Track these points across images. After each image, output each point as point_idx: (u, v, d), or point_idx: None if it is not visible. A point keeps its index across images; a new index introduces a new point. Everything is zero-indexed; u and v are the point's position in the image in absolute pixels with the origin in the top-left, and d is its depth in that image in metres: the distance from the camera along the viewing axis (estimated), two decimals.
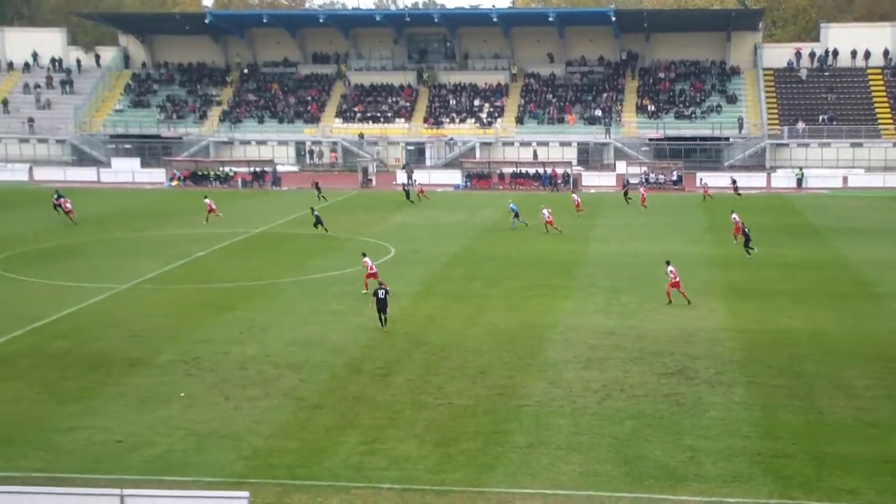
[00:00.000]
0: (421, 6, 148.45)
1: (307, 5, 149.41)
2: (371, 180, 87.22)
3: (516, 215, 60.63)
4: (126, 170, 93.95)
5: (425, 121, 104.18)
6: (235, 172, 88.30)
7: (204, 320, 38.20)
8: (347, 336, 35.80)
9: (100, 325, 37.52)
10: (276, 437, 26.03)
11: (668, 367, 31.94)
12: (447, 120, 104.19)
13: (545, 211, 59.25)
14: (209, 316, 38.91)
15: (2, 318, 38.05)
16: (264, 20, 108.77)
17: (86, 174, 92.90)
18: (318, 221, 58.91)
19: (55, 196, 66.19)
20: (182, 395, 29.29)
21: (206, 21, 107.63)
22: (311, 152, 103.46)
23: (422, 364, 32.46)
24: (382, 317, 36.80)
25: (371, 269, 42.30)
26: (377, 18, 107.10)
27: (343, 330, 36.64)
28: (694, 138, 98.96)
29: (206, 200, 65.16)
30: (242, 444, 25.50)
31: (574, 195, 69.37)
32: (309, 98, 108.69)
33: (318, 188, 75.55)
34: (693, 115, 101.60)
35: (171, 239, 57.48)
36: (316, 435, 26.20)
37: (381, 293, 36.80)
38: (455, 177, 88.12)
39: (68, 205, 64.28)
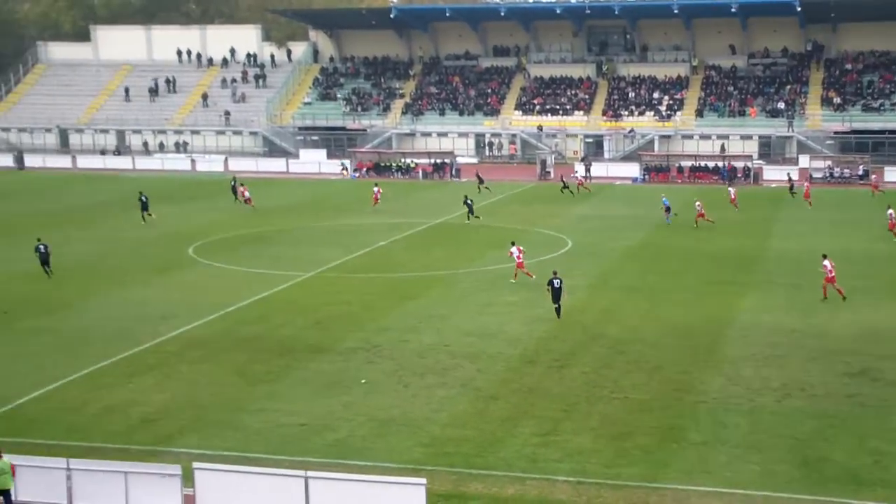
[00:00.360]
0: None
1: None
2: (549, 172, 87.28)
3: (668, 209, 59.85)
4: (313, 161, 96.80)
5: (604, 113, 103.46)
6: (416, 164, 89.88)
7: (384, 309, 39.23)
8: (523, 327, 36.18)
9: (287, 311, 39.01)
10: (452, 426, 26.60)
11: (851, 367, 31.08)
12: (626, 112, 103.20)
13: (697, 204, 58.35)
14: (389, 305, 39.94)
15: (197, 304, 40.00)
16: (447, 14, 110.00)
17: (276, 165, 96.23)
18: (470, 210, 60.14)
19: (232, 182, 69.07)
20: (363, 381, 30.23)
21: (391, 16, 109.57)
22: (491, 144, 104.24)
23: (597, 357, 32.55)
24: (557, 307, 37.10)
25: (518, 258, 43.07)
26: (557, 11, 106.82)
27: (519, 321, 37.04)
28: (882, 131, 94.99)
29: (376, 188, 67.45)
30: (420, 432, 26.18)
31: (731, 189, 67.77)
32: (489, 90, 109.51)
33: (479, 179, 76.11)
34: (882, 108, 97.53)
35: (353, 229, 59.06)
36: (492, 425, 26.65)
37: (555, 283, 37.14)
38: (633, 170, 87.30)
39: (246, 193, 67.38)
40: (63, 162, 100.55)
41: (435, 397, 28.76)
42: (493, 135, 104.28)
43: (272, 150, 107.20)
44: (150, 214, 61.38)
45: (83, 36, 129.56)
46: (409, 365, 31.83)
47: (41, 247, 46.29)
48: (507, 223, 59.35)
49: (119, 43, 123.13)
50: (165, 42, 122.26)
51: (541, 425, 26.53)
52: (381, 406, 28.07)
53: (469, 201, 61.73)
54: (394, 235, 56.37)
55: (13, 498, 22.17)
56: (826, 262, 39.97)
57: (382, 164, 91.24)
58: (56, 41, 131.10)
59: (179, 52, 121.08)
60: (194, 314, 38.23)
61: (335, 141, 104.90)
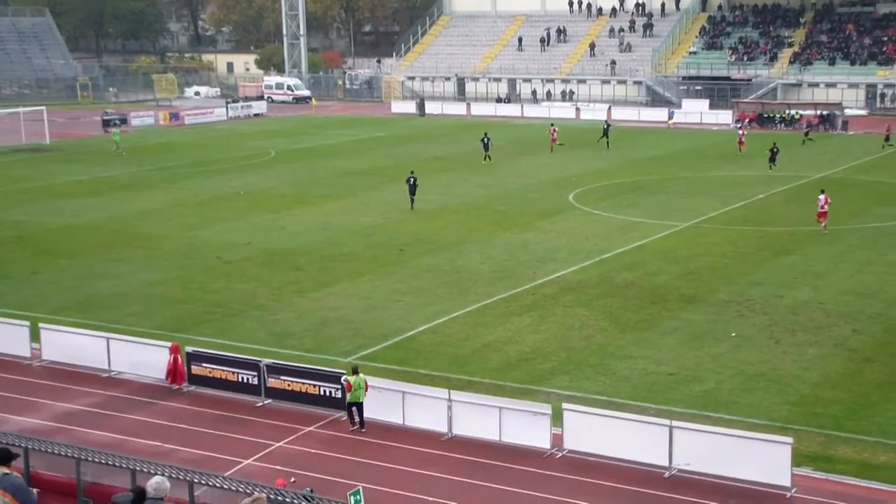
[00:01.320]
0: None
1: None
2: None
3: None
4: (695, 111, 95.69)
5: None
6: (801, 115, 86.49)
7: (759, 263, 38.81)
8: None
9: (661, 260, 39.54)
10: (823, 387, 26.21)
11: None
12: None
13: None
14: (764, 259, 39.43)
15: (575, 249, 41.46)
16: None
17: (657, 115, 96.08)
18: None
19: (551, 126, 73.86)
20: (733, 335, 30.29)
21: None
22: (883, 95, 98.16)
23: None
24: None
25: (823, 207, 43.13)
26: None
27: None
28: None
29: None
30: (788, 390, 26.01)
31: None
32: (885, 38, 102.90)
33: (888, 135, 71.86)
34: None
35: (733, 180, 58.27)
36: (866, 388, 26.00)
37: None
38: None
39: (555, 133, 72.23)
40: (459, 109, 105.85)
41: (806, 355, 28.37)
42: (887, 85, 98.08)
43: (655, 99, 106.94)
44: (489, 157, 65.56)
45: None
46: (781, 321, 31.48)
47: (411, 179, 51.11)
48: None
49: None
50: None
51: None
52: (749, 361, 28.09)
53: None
54: (773, 188, 55.09)
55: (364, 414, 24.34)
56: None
57: (766, 115, 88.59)
58: None
59: (571, 3, 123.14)
60: (571, 259, 39.68)
61: (718, 91, 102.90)
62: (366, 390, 24.07)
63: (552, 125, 75.20)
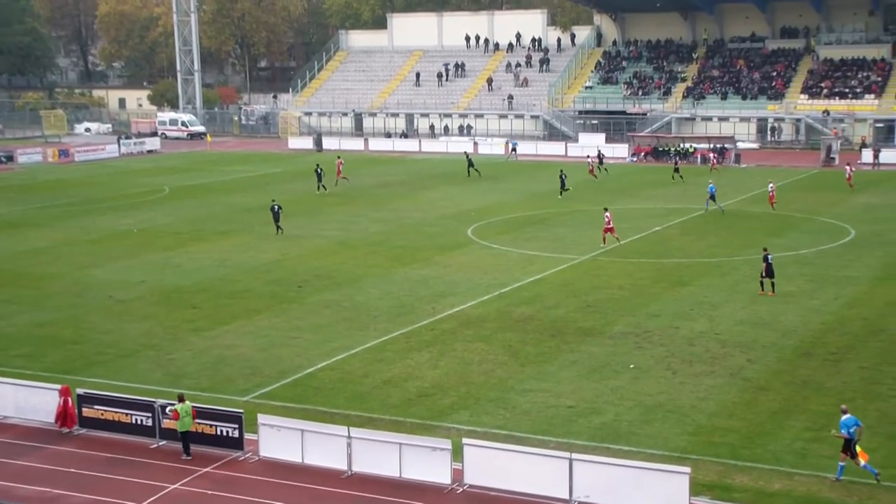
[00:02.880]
0: None
1: None
2: (833, 159, 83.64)
3: (712, 197, 58.38)
4: (591, 144, 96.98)
5: None
6: (696, 148, 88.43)
7: (656, 295, 39.26)
8: (799, 318, 35.32)
9: (560, 293, 39.74)
10: (719, 416, 26.48)
11: None
12: None
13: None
14: (661, 291, 39.91)
15: (475, 283, 41.43)
16: None
17: (555, 148, 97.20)
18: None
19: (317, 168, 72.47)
20: (631, 366, 30.51)
21: None
22: (774, 129, 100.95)
23: (877, 352, 31.41)
24: (770, 282, 38.50)
25: (608, 223, 47.64)
26: None
27: (795, 312, 36.17)
28: None
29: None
30: (686, 420, 26.23)
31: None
32: (774, 73, 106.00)
33: (676, 167, 75.39)
34: None
35: (630, 212, 59.05)
36: (761, 417, 26.35)
37: (769, 258, 38.49)
38: None
39: (340, 167, 73.54)
40: (356, 144, 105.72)
41: (703, 386, 28.69)
42: (777, 119, 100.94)
43: (552, 133, 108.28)
44: (324, 187, 67.55)
45: (381, 24, 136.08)
46: (678, 352, 31.83)
47: (274, 206, 53.46)
48: (787, 210, 57.65)
49: (412, 30, 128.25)
50: (455, 28, 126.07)
51: (813, 420, 25.98)
52: (648, 392, 28.29)
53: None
54: (669, 220, 56.01)
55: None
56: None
57: (660, 149, 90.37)
58: (356, 29, 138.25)
59: (468, 38, 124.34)
60: (471, 293, 39.65)
61: (614, 125, 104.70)
62: (193, 418, 24.23)
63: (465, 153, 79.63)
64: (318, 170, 69.44)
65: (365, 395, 28.45)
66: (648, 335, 33.68)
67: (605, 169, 78.16)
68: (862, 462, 22.27)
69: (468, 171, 76.27)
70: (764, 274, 38.61)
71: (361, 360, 31.58)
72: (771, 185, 59.84)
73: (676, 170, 74.48)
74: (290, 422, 24.48)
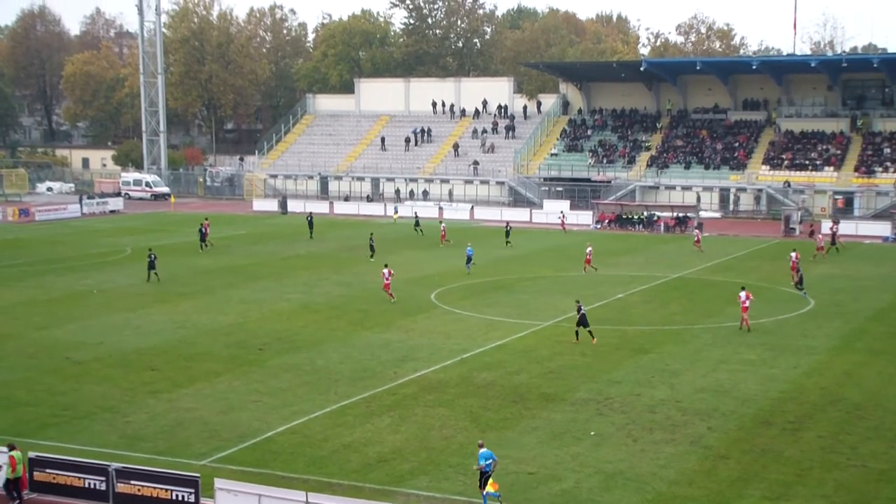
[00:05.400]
0: (860, 51, 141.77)
1: (741, 52, 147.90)
2: (794, 229, 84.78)
3: (468, 260, 61.65)
4: (556, 211, 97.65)
5: (856, 169, 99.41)
6: (659, 217, 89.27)
7: (618, 362, 39.32)
8: (758, 387, 35.47)
9: (522, 359, 39.71)
10: (679, 484, 26.43)
11: None
12: (880, 169, 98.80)
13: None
14: (623, 358, 39.99)
15: (437, 348, 41.35)
16: (697, 67, 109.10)
17: (520, 214, 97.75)
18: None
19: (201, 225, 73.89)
20: (592, 433, 30.44)
21: (641, 69, 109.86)
22: (736, 199, 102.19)
23: (835, 421, 31.55)
24: (586, 330, 41.92)
25: (387, 278, 51.34)
26: (812, 65, 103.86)
27: (755, 380, 36.35)
28: None
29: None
30: (646, 488, 26.16)
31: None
32: (737, 144, 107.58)
33: (507, 230, 77.27)
34: None
35: (592, 280, 59.32)
36: (720, 485, 26.33)
37: (581, 309, 42.16)
38: (885, 229, 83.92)
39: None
40: (322, 207, 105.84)
41: (663, 453, 28.65)
42: (739, 189, 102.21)
43: (517, 199, 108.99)
44: (155, 274, 58.48)
45: (348, 88, 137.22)
46: (639, 419, 31.82)
47: (151, 255, 58.10)
48: (747, 279, 58.07)
49: (379, 95, 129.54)
50: (422, 94, 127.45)
51: (772, 489, 26.00)
52: (608, 459, 28.21)
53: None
54: (631, 288, 56.29)
55: None
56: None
57: (624, 216, 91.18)
58: (324, 94, 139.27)
59: (434, 104, 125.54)
60: (433, 358, 39.54)
61: (579, 192, 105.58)
62: (23, 465, 25.28)
63: (441, 223, 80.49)
64: (151, 256, 59.01)
65: (324, 460, 28.16)
66: (609, 402, 33.66)
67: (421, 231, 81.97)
68: (490, 490, 24.26)
69: (417, 231, 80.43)
70: (578, 324, 42.13)
71: (321, 425, 31.30)
72: (589, 247, 62.65)
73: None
74: (247, 486, 24.16)
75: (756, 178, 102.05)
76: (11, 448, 25.14)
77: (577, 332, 42.06)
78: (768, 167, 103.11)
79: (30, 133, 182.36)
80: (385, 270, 52.11)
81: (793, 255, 59.00)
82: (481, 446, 25.43)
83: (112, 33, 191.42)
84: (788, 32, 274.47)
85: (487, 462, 24.93)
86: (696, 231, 77.43)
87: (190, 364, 38.71)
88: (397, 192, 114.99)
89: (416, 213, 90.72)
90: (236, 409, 32.82)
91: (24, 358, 39.74)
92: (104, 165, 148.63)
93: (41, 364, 38.76)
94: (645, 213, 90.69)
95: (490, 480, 24.49)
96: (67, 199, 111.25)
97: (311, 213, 76.26)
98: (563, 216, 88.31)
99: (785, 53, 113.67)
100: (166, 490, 24.36)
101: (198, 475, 24.58)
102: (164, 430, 30.80)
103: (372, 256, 67.29)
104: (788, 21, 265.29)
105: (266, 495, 23.73)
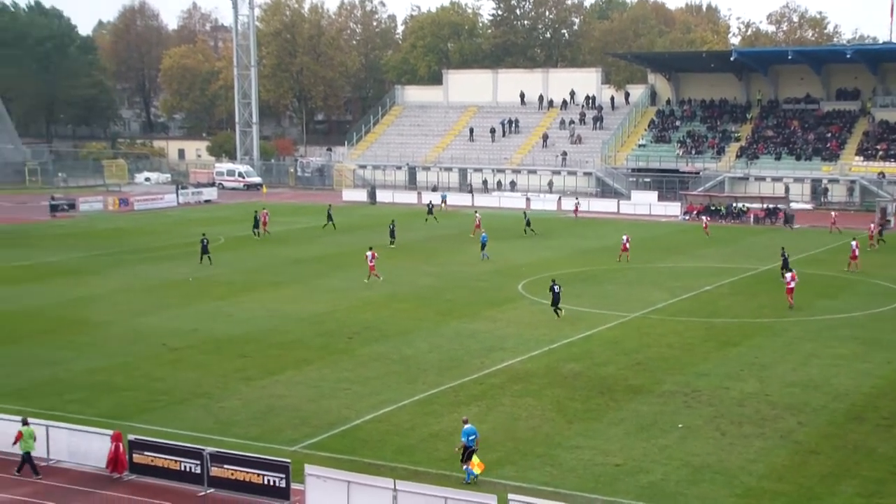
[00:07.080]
0: None
1: (834, 41, 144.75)
2: (890, 221, 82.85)
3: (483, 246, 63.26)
4: (644, 202, 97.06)
5: None
6: (749, 208, 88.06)
7: (706, 354, 39.06)
8: (851, 381, 34.96)
9: (609, 350, 39.69)
10: (769, 479, 26.24)
11: None
12: None
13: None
14: (711, 350, 39.71)
15: (524, 338, 41.50)
16: (789, 57, 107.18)
17: (607, 205, 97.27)
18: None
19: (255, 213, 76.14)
20: (680, 426, 30.34)
21: (731, 59, 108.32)
22: (826, 190, 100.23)
23: None
24: (555, 309, 44.35)
25: (371, 262, 53.41)
26: None
27: (847, 375, 35.83)
28: None
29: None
30: (735, 482, 26.02)
31: None
32: (829, 135, 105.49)
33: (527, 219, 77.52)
34: None
35: (680, 271, 58.88)
36: (811, 481, 26.07)
37: (556, 288, 44.38)
38: None
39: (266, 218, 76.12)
40: (409, 198, 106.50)
41: (752, 447, 28.45)
42: (830, 180, 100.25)
43: (604, 190, 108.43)
44: (208, 258, 60.78)
45: (436, 80, 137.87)
46: (727, 412, 31.62)
47: (204, 240, 60.71)
48: (838, 272, 57.13)
49: (467, 86, 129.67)
50: (510, 85, 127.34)
51: (864, 486, 25.68)
52: (696, 452, 28.11)
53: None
54: (720, 280, 55.71)
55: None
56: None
57: (713, 208, 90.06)
58: (412, 85, 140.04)
59: (522, 95, 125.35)
60: (520, 348, 39.71)
61: (667, 183, 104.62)
62: (34, 440, 26.54)
63: (476, 212, 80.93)
64: (204, 240, 61.92)
65: (412, 448, 28.54)
66: (697, 394, 33.49)
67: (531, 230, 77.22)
68: (473, 471, 25.44)
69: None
70: (552, 302, 44.45)
71: (409, 413, 31.69)
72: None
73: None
74: (336, 473, 24.59)
75: (849, 170, 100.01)
76: (24, 423, 26.77)
77: (556, 311, 44.59)
78: (862, 158, 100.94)
79: (129, 125, 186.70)
80: (368, 253, 54.21)
81: (853, 243, 58.24)
82: (465, 422, 26.54)
83: (207, 27, 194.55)
84: (885, 20, 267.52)
85: (470, 438, 26.03)
86: (704, 218, 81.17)
87: (281, 352, 39.44)
88: (485, 182, 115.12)
89: (430, 201, 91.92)
90: (326, 397, 33.40)
91: (124, 344, 40.89)
92: (199, 156, 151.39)
93: (139, 350, 39.86)
94: (734, 205, 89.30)
95: (477, 460, 25.58)
96: (164, 190, 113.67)
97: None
98: (578, 204, 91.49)
99: (881, 42, 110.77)
100: (258, 475, 24.95)
101: (288, 461, 25.12)
102: (256, 416, 31.50)
103: (392, 243, 68.24)
104: (885, 8, 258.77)
105: (355, 482, 24.14)
